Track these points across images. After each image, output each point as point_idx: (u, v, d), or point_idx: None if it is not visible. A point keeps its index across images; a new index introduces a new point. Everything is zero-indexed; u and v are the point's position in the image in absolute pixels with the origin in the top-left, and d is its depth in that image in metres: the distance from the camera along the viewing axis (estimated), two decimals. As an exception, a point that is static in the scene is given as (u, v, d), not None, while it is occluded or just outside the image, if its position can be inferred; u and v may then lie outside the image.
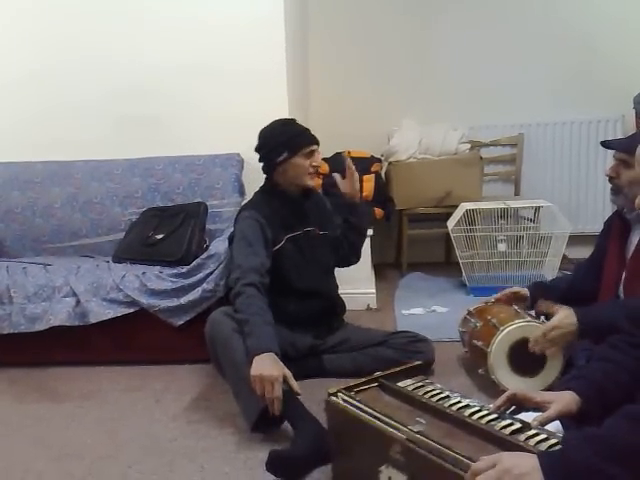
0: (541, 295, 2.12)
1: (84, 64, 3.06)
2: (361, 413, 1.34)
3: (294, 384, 1.72)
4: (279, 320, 2.02)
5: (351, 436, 1.37)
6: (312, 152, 2.14)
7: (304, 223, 2.21)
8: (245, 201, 2.84)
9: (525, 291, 2.14)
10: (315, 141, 2.16)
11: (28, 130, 3.11)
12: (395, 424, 1.25)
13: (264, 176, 2.24)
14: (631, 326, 1.30)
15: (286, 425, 1.75)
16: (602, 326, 1.52)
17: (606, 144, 1.89)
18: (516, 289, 2.17)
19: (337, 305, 2.29)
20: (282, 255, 2.13)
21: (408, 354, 2.05)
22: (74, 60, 3.07)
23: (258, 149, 2.19)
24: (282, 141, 2.12)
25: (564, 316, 1.71)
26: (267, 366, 1.69)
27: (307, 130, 2.19)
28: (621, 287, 1.83)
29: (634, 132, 1.92)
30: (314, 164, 2.15)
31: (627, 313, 1.35)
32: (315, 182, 3.31)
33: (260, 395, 1.68)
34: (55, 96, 3.10)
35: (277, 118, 2.22)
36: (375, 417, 1.30)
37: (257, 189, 2.29)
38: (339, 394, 1.42)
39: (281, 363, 1.74)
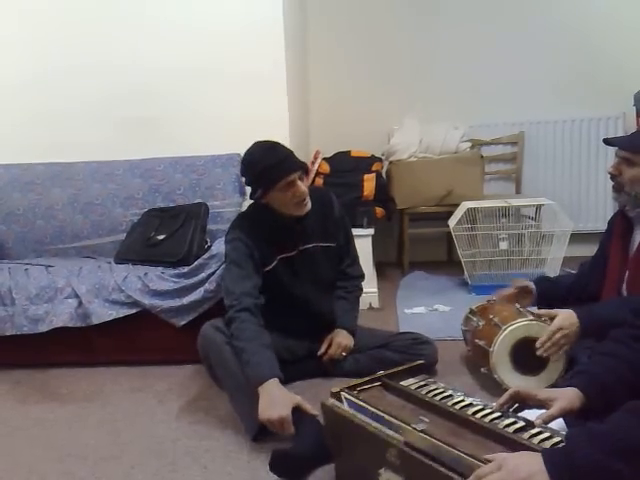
0: (547, 289, 2.12)
1: (85, 67, 3.08)
2: (357, 415, 1.33)
3: (307, 408, 1.67)
4: (274, 328, 1.97)
5: (349, 439, 1.37)
6: (291, 183, 1.92)
7: (300, 242, 2.08)
8: (246, 201, 2.85)
9: (531, 285, 2.14)
10: (293, 169, 1.92)
11: (29, 132, 3.12)
12: (398, 423, 1.25)
13: None
14: (636, 319, 1.29)
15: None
16: (605, 324, 1.51)
17: (608, 142, 1.89)
18: (520, 283, 2.17)
19: (334, 320, 2.20)
20: (275, 276, 2.05)
21: (410, 356, 2.01)
22: (75, 63, 3.08)
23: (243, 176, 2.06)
24: (255, 177, 1.96)
25: (565, 317, 1.71)
26: (273, 406, 1.63)
27: (285, 159, 1.93)
28: (624, 285, 1.82)
29: (637, 130, 1.90)
30: (298, 195, 1.94)
31: (632, 307, 1.35)
32: (316, 182, 3.34)
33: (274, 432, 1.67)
34: (56, 98, 3.11)
35: (258, 141, 1.99)
36: (377, 417, 1.30)
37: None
38: (342, 393, 1.42)
39: (286, 392, 1.69)
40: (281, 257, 2.06)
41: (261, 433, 1.74)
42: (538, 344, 1.77)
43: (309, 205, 2.01)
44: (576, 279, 2.12)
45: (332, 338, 2.15)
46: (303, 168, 1.98)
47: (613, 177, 1.84)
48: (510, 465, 0.96)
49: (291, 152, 1.98)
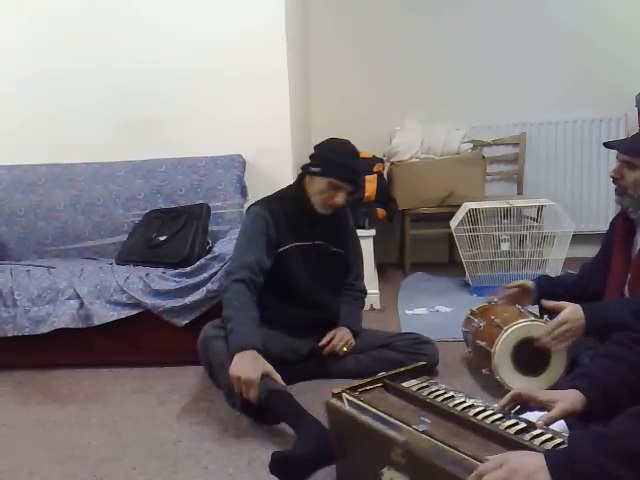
0: (547, 288, 2.11)
1: (87, 69, 3.08)
2: (361, 415, 1.33)
3: (277, 378, 1.76)
4: (278, 324, 2.05)
5: (352, 438, 1.37)
6: (338, 187, 2.05)
7: (316, 236, 2.15)
8: (248, 202, 2.85)
9: (530, 284, 2.13)
10: (350, 181, 2.07)
11: (31, 133, 3.13)
12: (400, 424, 1.25)
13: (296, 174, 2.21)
14: (636, 322, 1.29)
15: (289, 427, 1.74)
16: (608, 322, 1.51)
17: (609, 145, 1.88)
18: (521, 282, 2.16)
19: (337, 317, 2.23)
20: (286, 260, 2.10)
21: (412, 356, 2.04)
22: (77, 65, 3.08)
23: (314, 148, 2.17)
24: (326, 158, 2.07)
25: (572, 311, 1.70)
26: (246, 366, 1.72)
27: (353, 170, 2.09)
28: (626, 287, 1.82)
29: (637, 132, 1.90)
30: (333, 200, 2.06)
31: (633, 309, 1.35)
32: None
33: (237, 393, 1.74)
34: (58, 100, 3.12)
35: (346, 140, 2.13)
36: (379, 417, 1.30)
37: (276, 189, 2.25)
38: (343, 394, 1.42)
39: (261, 359, 1.77)
40: (296, 244, 2.12)
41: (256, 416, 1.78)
42: (543, 334, 1.75)
43: (330, 212, 2.13)
44: (577, 279, 2.12)
45: (335, 332, 2.17)
46: (357, 189, 2.15)
47: (615, 180, 1.83)
48: (512, 463, 0.96)
49: (361, 173, 2.17)
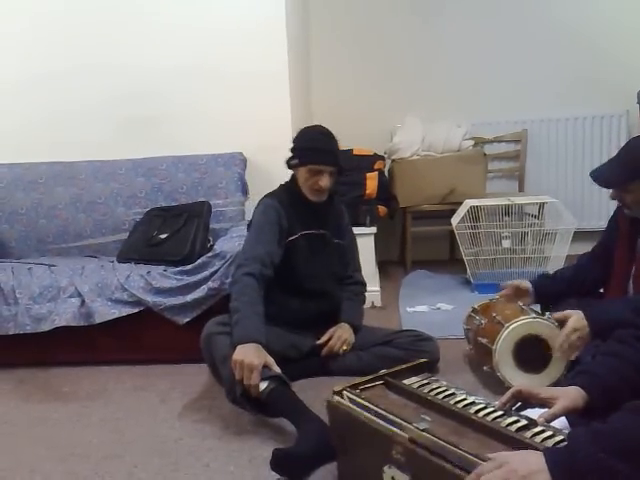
0: (545, 287, 2.11)
1: (88, 67, 3.08)
2: (362, 412, 1.33)
3: (277, 369, 1.77)
4: (281, 319, 2.06)
5: (353, 436, 1.37)
6: (319, 172, 2.09)
7: (321, 225, 2.20)
8: (249, 200, 2.86)
9: (527, 284, 2.13)
10: (328, 163, 2.09)
11: (32, 131, 3.13)
12: (400, 422, 1.24)
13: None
14: (638, 318, 1.29)
15: (290, 424, 1.74)
16: (610, 323, 1.51)
17: (595, 179, 1.84)
18: (517, 282, 2.16)
19: (339, 310, 2.25)
20: (294, 249, 2.13)
21: (413, 353, 2.04)
22: (78, 63, 3.08)
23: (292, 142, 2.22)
24: (298, 147, 2.14)
25: (577, 319, 1.70)
26: (249, 353, 1.74)
27: (329, 152, 2.11)
28: (631, 283, 1.82)
29: (617, 154, 1.86)
30: (318, 185, 2.09)
31: (634, 307, 1.34)
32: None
33: (239, 380, 1.73)
34: (59, 98, 3.11)
35: (323, 126, 2.18)
36: (379, 415, 1.30)
37: (277, 185, 2.29)
38: (344, 392, 1.42)
39: (264, 351, 1.79)
40: (304, 233, 2.16)
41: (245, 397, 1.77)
42: (556, 347, 1.74)
43: (324, 197, 2.16)
44: (574, 272, 2.11)
45: (334, 331, 2.17)
46: (338, 168, 2.14)
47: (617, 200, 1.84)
48: (512, 463, 0.96)
49: (338, 150, 2.15)
